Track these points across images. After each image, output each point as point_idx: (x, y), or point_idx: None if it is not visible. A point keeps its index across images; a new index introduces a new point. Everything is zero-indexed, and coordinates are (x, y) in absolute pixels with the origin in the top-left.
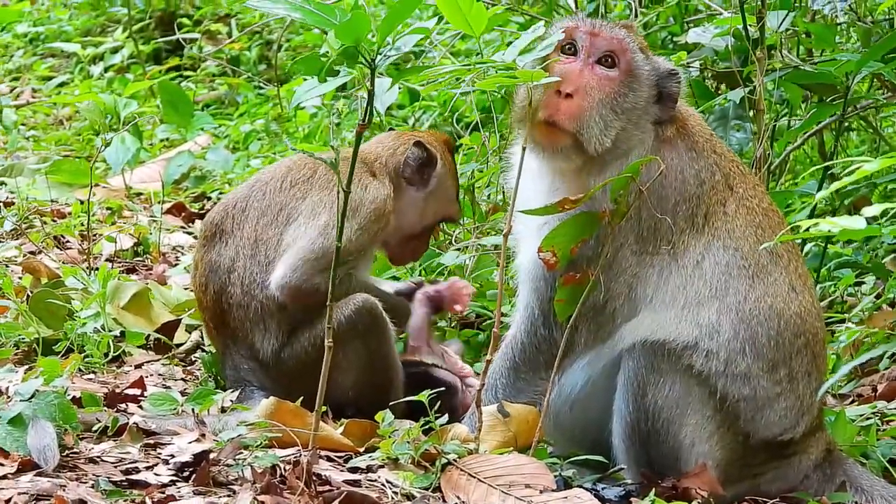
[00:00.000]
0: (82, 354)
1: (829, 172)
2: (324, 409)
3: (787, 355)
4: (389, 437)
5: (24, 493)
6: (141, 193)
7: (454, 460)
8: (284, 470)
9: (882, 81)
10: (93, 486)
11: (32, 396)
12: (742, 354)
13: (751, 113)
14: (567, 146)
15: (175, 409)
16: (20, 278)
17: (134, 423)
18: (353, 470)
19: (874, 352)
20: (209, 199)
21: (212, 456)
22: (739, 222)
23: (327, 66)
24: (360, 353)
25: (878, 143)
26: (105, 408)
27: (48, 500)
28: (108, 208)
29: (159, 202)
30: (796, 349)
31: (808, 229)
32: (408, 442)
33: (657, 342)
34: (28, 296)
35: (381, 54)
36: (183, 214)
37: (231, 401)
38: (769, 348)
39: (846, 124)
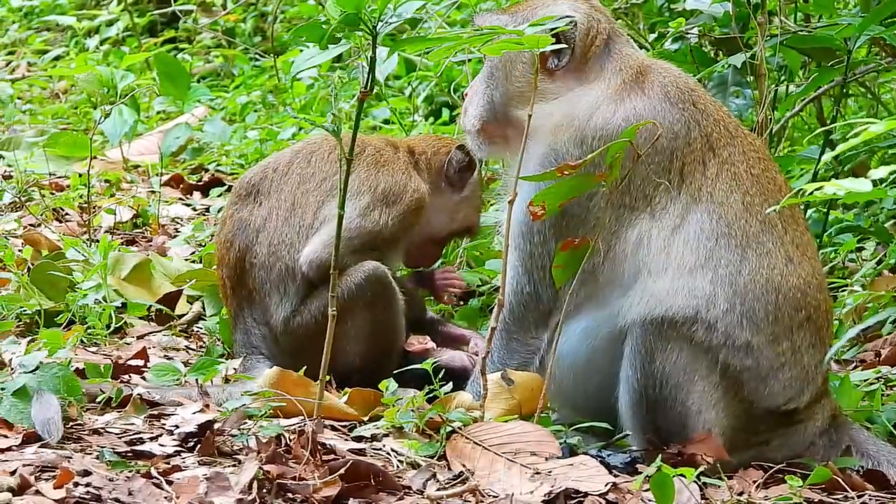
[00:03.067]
0: (84, 326)
1: (829, 138)
2: (327, 378)
3: (788, 329)
4: (393, 405)
5: (28, 464)
6: (139, 166)
7: (459, 428)
8: (289, 440)
9: (882, 46)
10: (97, 458)
11: (36, 368)
12: (741, 328)
13: (750, 79)
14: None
15: (178, 379)
16: (20, 250)
17: (137, 394)
18: (358, 439)
19: (878, 316)
20: (206, 170)
21: (216, 426)
22: (722, 186)
23: (328, 34)
24: (368, 321)
25: (877, 108)
26: (109, 379)
27: (53, 471)
28: (106, 181)
29: (157, 174)
30: (798, 323)
31: (811, 193)
32: (412, 410)
33: (660, 316)
34: (29, 268)
35: (382, 21)
36: (181, 186)
37: (235, 369)
38: (768, 323)
39: (845, 90)
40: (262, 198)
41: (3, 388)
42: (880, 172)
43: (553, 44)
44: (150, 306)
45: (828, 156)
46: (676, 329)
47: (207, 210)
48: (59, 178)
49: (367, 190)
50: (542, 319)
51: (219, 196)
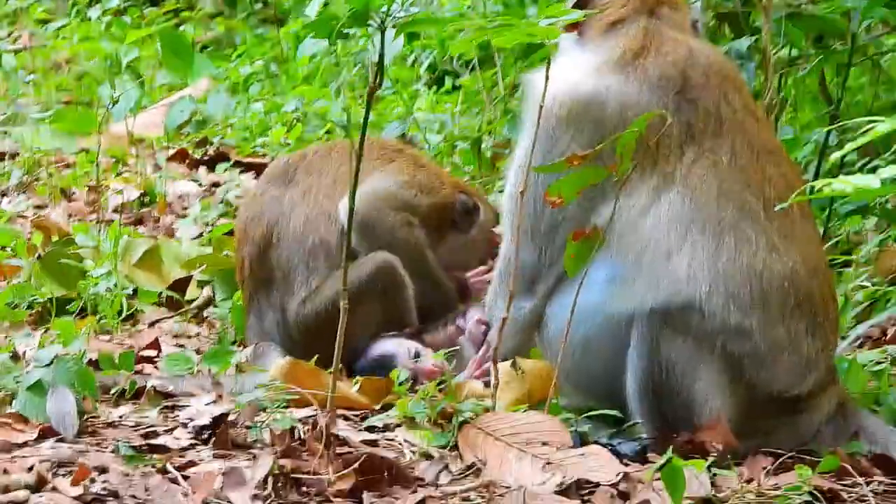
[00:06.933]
0: (96, 316)
1: (834, 112)
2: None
3: (780, 315)
4: (405, 395)
5: (45, 460)
6: (143, 140)
7: (470, 419)
8: (303, 432)
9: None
10: (113, 452)
11: (51, 363)
12: (732, 312)
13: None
14: None
15: (191, 369)
16: (30, 235)
17: (151, 385)
18: (370, 429)
19: (886, 313)
20: (211, 144)
21: (230, 418)
22: (698, 173)
23: (337, 30)
24: (378, 311)
25: (879, 74)
26: (122, 370)
27: (69, 467)
28: (112, 157)
29: (163, 148)
30: (789, 310)
31: (819, 189)
32: (423, 400)
33: (656, 304)
34: (39, 255)
35: (391, 16)
36: (187, 161)
37: (247, 358)
38: (757, 308)
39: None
40: (300, 176)
41: (18, 383)
42: (889, 171)
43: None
44: (161, 293)
45: (835, 155)
46: (677, 318)
47: (215, 186)
48: (66, 154)
49: (406, 172)
50: (528, 287)
51: (225, 171)
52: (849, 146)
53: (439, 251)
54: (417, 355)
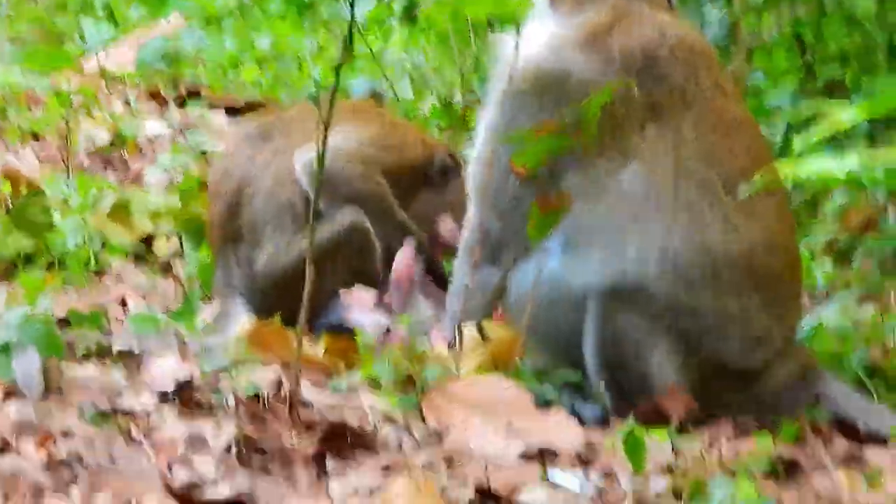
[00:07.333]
0: (63, 270)
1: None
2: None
3: (732, 292)
4: (370, 357)
5: (9, 423)
6: (114, 77)
7: (434, 383)
8: (268, 395)
9: None
10: (78, 415)
11: (17, 322)
12: (681, 291)
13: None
14: None
15: (157, 328)
16: None
17: (116, 345)
18: (335, 391)
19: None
20: (183, 81)
21: (195, 381)
22: (658, 149)
23: None
24: (346, 271)
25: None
26: (88, 329)
27: (34, 430)
28: (82, 96)
29: (135, 86)
30: (742, 287)
31: (784, 174)
32: (388, 364)
33: (610, 283)
34: (8, 208)
35: None
36: (158, 99)
37: (213, 315)
38: (709, 287)
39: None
40: (275, 136)
41: None
42: (852, 161)
43: None
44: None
45: (799, 140)
46: (624, 294)
47: (186, 128)
48: (35, 91)
49: (374, 131)
50: (492, 255)
51: (196, 109)
52: (813, 133)
53: (412, 209)
54: (388, 331)
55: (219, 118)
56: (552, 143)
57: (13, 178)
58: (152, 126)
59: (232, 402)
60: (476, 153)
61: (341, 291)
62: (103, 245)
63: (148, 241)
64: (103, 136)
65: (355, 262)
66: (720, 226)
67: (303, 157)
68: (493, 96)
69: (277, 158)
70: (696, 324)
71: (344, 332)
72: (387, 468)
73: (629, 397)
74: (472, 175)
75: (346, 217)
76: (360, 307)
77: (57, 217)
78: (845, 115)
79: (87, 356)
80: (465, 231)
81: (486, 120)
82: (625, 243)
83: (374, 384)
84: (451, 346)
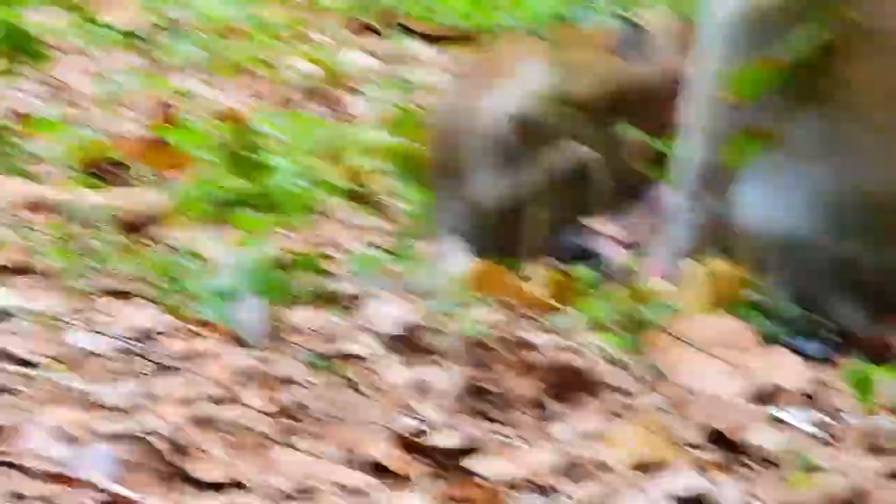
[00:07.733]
0: (279, 212)
1: None
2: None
3: None
4: (590, 294)
5: (232, 371)
6: (322, 8)
7: (657, 322)
8: (491, 338)
9: None
10: (300, 361)
11: (239, 265)
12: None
13: None
14: None
15: (379, 268)
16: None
17: (339, 288)
18: (555, 331)
19: None
20: (391, 13)
21: (419, 323)
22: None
23: None
24: (573, 206)
25: None
26: (309, 271)
27: (256, 378)
28: (288, 28)
29: (343, 17)
30: None
31: None
32: (609, 302)
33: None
34: (226, 149)
35: None
36: (367, 32)
37: (433, 255)
38: None
39: None
40: (487, 73)
41: (205, 288)
42: None
43: None
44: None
45: None
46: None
47: (396, 62)
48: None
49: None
50: (715, 182)
51: (406, 41)
52: None
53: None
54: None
55: (430, 51)
56: (766, 74)
57: (228, 116)
58: (362, 59)
59: (458, 344)
60: (694, 84)
61: (584, 221)
62: (316, 184)
63: (361, 178)
64: (311, 71)
65: (581, 196)
66: None
67: (494, 109)
68: (710, 30)
69: (489, 96)
70: None
71: (582, 261)
72: (612, 411)
73: (853, 333)
74: (689, 103)
75: (571, 152)
76: (604, 239)
77: (269, 157)
78: None
79: (305, 300)
80: (680, 161)
81: (704, 49)
82: None
83: (597, 323)
84: (669, 280)
